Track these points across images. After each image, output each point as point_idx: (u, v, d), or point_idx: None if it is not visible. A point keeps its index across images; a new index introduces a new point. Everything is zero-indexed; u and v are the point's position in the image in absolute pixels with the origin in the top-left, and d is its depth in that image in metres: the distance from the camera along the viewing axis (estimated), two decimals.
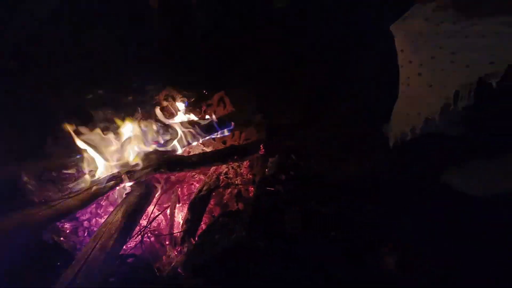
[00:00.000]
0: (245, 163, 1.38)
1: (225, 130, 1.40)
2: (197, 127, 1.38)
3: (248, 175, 1.35)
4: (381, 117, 1.44)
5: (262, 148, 1.38)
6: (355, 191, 1.24)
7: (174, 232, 1.20)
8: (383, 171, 1.35)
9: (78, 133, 1.25)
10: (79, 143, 1.22)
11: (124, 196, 1.18)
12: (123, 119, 1.39)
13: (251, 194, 1.27)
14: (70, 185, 1.21)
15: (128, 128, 1.35)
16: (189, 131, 1.35)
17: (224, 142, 1.48)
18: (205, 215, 1.23)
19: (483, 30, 0.99)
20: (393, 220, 1.17)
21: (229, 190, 1.30)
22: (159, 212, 1.26)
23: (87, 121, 1.59)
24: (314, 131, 1.54)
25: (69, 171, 1.29)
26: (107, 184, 1.13)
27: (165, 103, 1.59)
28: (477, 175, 1.28)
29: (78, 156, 1.32)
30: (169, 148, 1.30)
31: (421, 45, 1.10)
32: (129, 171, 1.17)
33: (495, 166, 1.26)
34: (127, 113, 1.53)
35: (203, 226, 1.20)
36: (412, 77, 1.20)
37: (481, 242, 1.06)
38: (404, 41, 1.14)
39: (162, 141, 1.32)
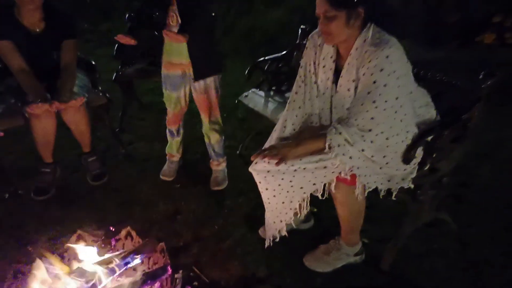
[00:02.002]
0: (157, 284, 1.67)
1: (136, 260, 1.69)
2: (111, 262, 1.64)
3: None
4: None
5: (169, 268, 1.70)
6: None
7: None
8: (259, 270, 1.82)
9: None
10: None
11: None
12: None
13: None
14: None
15: (45, 275, 1.54)
16: (105, 267, 1.61)
17: (135, 269, 1.75)
18: None
19: (300, 167, 1.58)
20: None
21: None
22: None
23: None
24: (203, 246, 1.95)
25: None
26: None
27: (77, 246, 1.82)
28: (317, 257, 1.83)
29: None
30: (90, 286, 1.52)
31: (270, 178, 1.65)
32: None
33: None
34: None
35: None
36: (270, 198, 1.73)
37: None
38: (258, 177, 1.68)
39: (82, 282, 1.54)
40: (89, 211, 2.24)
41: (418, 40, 3.98)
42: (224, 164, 2.53)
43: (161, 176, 2.56)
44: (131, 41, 2.13)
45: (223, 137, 2.49)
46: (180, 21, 2.10)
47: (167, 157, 2.61)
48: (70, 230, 1.99)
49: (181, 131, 2.54)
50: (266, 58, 2.76)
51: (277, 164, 1.54)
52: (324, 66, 1.69)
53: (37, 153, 2.42)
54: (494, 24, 4.11)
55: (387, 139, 1.56)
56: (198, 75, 2.22)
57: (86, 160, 2.54)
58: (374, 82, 1.51)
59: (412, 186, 1.68)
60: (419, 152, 1.67)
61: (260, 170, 1.66)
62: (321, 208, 2.07)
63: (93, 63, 2.73)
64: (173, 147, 2.57)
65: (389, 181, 1.65)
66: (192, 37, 2.07)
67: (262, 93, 2.70)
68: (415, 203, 1.77)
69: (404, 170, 1.65)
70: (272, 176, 1.64)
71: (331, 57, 1.67)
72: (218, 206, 2.29)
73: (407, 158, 1.62)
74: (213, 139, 2.44)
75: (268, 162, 1.60)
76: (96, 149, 2.63)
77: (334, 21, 1.52)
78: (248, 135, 2.90)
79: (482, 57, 3.64)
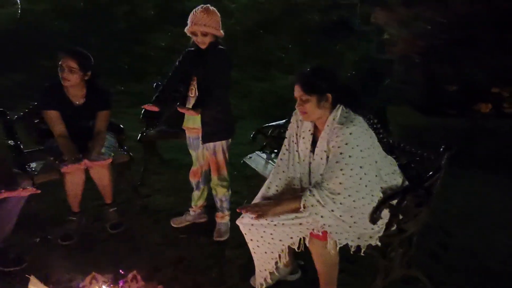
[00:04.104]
0: None
1: None
2: None
3: None
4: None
5: None
6: None
7: None
8: None
9: None
10: None
11: None
12: None
13: None
14: None
15: None
16: None
17: None
18: None
19: (279, 223, 1.86)
20: None
21: None
22: None
23: None
24: None
25: None
26: None
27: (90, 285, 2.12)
28: None
29: None
30: None
31: (254, 231, 1.94)
32: None
33: None
34: None
35: None
36: (255, 248, 2.00)
37: None
38: (244, 229, 1.97)
39: None
40: (105, 256, 2.55)
41: (417, 107, 4.30)
42: (227, 218, 2.82)
43: (171, 221, 2.87)
44: (155, 108, 2.54)
45: (230, 192, 2.81)
46: (197, 94, 2.53)
47: None
48: (87, 272, 2.29)
49: (201, 187, 2.87)
50: (269, 124, 3.14)
51: (256, 218, 1.84)
52: (303, 138, 2.02)
53: (66, 203, 2.80)
54: (492, 94, 4.39)
55: (354, 201, 1.83)
56: (206, 138, 2.60)
57: (107, 210, 2.90)
58: (341, 153, 1.82)
59: (379, 244, 1.91)
60: (387, 214, 1.92)
61: (246, 223, 1.95)
62: (308, 262, 2.29)
63: (121, 126, 3.17)
64: (193, 199, 2.91)
65: (358, 238, 1.90)
66: (205, 107, 2.47)
67: (264, 155, 3.05)
68: (385, 260, 1.98)
69: (372, 229, 1.89)
70: (256, 229, 1.93)
71: (309, 130, 2.01)
72: (217, 256, 2.56)
73: (373, 218, 1.87)
74: (219, 193, 2.76)
75: (252, 217, 1.89)
76: (116, 201, 2.99)
77: (308, 103, 1.87)
78: (252, 193, 3.20)
79: (476, 125, 3.89)
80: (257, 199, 2.05)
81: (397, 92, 4.47)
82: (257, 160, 3.01)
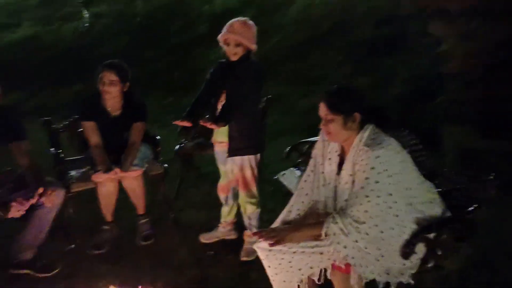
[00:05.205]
0: None
1: None
2: None
3: None
4: None
5: None
6: None
7: None
8: None
9: None
10: None
11: None
12: None
13: None
14: None
15: None
16: None
17: None
18: None
19: (298, 250, 1.73)
20: None
21: None
22: None
23: None
24: None
25: None
26: None
27: None
28: None
29: None
30: None
31: (271, 257, 1.82)
32: None
33: None
34: None
35: None
36: (273, 275, 1.87)
37: None
38: (262, 254, 1.85)
39: None
40: (131, 268, 2.56)
41: (474, 127, 3.93)
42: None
43: (200, 236, 2.82)
44: (187, 124, 2.54)
45: (259, 209, 2.70)
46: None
47: None
48: (111, 283, 2.30)
49: (230, 202, 2.79)
50: (304, 140, 3.00)
51: (271, 245, 1.72)
52: (330, 159, 1.88)
53: (101, 213, 2.86)
54: None
55: (381, 232, 1.65)
56: (232, 152, 2.53)
57: (139, 221, 2.92)
58: (366, 178, 1.65)
59: (412, 282, 1.70)
60: (422, 248, 1.71)
61: (263, 248, 1.83)
62: None
63: (157, 138, 3.21)
64: (222, 215, 2.84)
65: (387, 274, 1.70)
66: (233, 120, 2.42)
67: (298, 172, 2.90)
68: None
69: (404, 264, 1.70)
70: (274, 255, 1.80)
71: (336, 151, 1.86)
72: (242, 277, 2.46)
73: (405, 253, 1.68)
74: (248, 210, 2.67)
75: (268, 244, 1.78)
76: (149, 212, 3.00)
77: (333, 123, 1.74)
78: None
79: None
80: (276, 223, 1.93)
81: (452, 111, 4.13)
82: (290, 177, 2.87)
